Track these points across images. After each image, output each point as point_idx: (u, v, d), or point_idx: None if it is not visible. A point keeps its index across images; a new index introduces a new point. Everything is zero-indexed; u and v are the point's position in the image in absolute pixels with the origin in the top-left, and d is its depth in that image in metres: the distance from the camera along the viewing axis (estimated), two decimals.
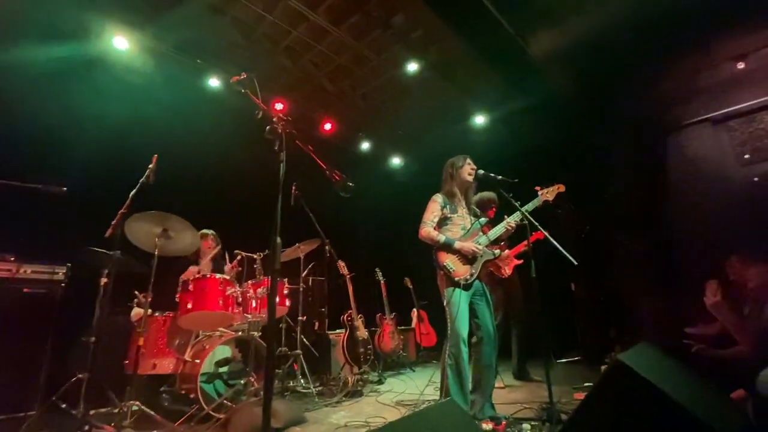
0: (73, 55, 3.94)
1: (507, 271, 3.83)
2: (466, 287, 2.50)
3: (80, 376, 2.59)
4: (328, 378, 4.06)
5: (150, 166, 2.85)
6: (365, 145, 6.53)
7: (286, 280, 3.54)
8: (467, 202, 2.80)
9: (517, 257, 3.89)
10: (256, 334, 3.06)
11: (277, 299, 3.17)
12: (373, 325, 4.87)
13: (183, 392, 2.89)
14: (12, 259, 3.07)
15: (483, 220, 2.77)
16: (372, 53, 4.79)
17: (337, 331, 4.51)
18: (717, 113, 4.67)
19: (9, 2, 3.62)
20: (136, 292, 3.15)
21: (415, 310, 5.66)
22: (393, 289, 5.27)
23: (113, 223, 2.62)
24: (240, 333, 3.17)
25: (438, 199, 2.73)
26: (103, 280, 2.78)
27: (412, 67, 4.91)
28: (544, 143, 5.34)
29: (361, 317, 4.38)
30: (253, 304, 3.13)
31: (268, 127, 1.47)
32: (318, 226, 3.98)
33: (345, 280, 4.38)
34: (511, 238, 3.83)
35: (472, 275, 2.53)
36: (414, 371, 4.69)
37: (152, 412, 2.55)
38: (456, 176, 2.76)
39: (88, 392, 2.54)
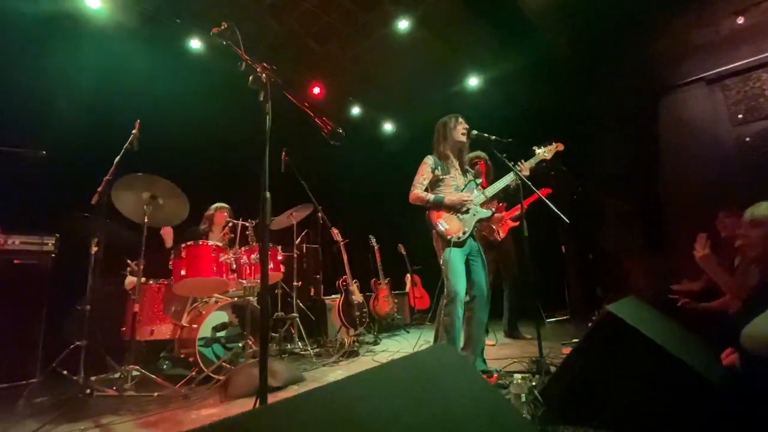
0: (45, 13, 3.68)
1: (501, 234, 3.86)
2: (460, 244, 2.51)
3: (78, 343, 2.61)
4: (325, 340, 4.16)
5: (134, 131, 2.74)
6: (355, 110, 6.37)
7: (280, 247, 3.53)
8: (461, 163, 2.77)
9: (514, 220, 3.90)
10: (251, 299, 3.09)
11: (272, 265, 3.19)
12: (368, 290, 4.95)
13: (182, 356, 2.94)
14: None
15: (479, 180, 2.75)
16: (360, 10, 4.56)
17: (333, 296, 4.58)
18: (711, 72, 4.61)
19: None
20: (129, 261, 3.12)
21: (408, 275, 5.75)
22: (387, 255, 5.32)
23: (99, 190, 2.55)
24: (236, 299, 3.19)
25: (428, 161, 2.69)
26: (94, 249, 2.74)
27: (403, 24, 4.71)
28: (538, 105, 5.26)
29: (356, 282, 4.44)
30: (248, 270, 3.13)
31: (251, 77, 1.40)
32: (310, 192, 3.94)
33: (339, 247, 4.39)
34: (508, 199, 3.85)
35: (464, 233, 2.54)
36: (408, 332, 4.83)
37: (153, 376, 2.60)
38: (448, 137, 2.71)
39: (87, 359, 2.57)
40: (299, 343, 3.74)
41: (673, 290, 3.05)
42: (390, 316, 4.89)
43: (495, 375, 2.39)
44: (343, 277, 4.38)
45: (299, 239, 4.24)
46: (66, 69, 3.80)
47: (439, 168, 2.67)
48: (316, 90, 5.66)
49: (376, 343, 4.08)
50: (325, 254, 5.15)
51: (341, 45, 5.15)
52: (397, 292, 5.33)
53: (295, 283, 3.91)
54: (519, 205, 2.68)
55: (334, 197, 5.43)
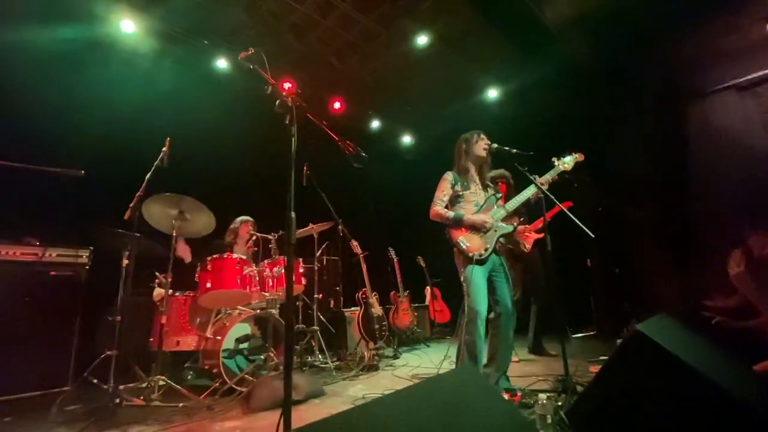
0: (82, 39, 3.94)
1: (527, 246, 3.79)
2: (481, 262, 2.48)
3: (109, 353, 2.71)
4: (345, 353, 4.16)
5: (164, 149, 2.87)
6: (375, 124, 6.46)
7: (301, 259, 3.59)
8: (482, 178, 2.75)
9: (537, 232, 3.83)
10: (273, 311, 3.13)
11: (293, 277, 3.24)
12: (388, 303, 4.93)
13: (206, 368, 3.00)
14: (37, 243, 3.17)
15: (498, 194, 2.73)
16: (380, 27, 4.66)
17: (353, 308, 4.59)
18: (743, 79, 4.45)
19: None
20: (157, 273, 3.23)
21: (428, 287, 5.70)
22: (406, 268, 5.30)
23: (131, 205, 2.66)
24: (258, 311, 3.24)
25: (448, 177, 2.68)
26: (125, 262, 2.86)
27: (422, 40, 4.78)
28: (560, 115, 5.20)
29: (375, 295, 4.44)
30: (270, 283, 3.19)
31: (278, 101, 1.45)
32: (330, 206, 3.99)
33: (358, 259, 4.41)
34: (531, 213, 3.79)
35: (486, 250, 2.50)
36: (429, 347, 4.77)
37: (178, 386, 2.66)
38: (469, 152, 2.70)
39: (116, 368, 2.66)
40: (320, 356, 3.75)
41: (707, 307, 2.91)
42: (410, 329, 4.84)
43: (519, 394, 2.33)
44: (363, 289, 4.39)
45: (320, 251, 4.29)
46: (101, 90, 4.03)
47: (459, 184, 2.66)
48: (337, 105, 5.78)
49: (395, 357, 4.05)
50: (344, 267, 5.18)
51: (361, 60, 5.26)
52: (416, 305, 5.29)
53: (315, 296, 3.94)
54: (542, 218, 2.64)
55: (354, 210, 5.48)
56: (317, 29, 4.67)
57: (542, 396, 2.13)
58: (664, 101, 4.77)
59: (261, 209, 4.05)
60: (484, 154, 2.69)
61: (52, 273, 3.21)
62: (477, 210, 2.62)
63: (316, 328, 3.79)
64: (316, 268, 4.06)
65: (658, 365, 1.39)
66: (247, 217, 3.85)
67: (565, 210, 2.75)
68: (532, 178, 2.59)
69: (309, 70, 5.25)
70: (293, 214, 1.31)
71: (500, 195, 2.74)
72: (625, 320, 4.29)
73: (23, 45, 3.61)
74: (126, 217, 2.65)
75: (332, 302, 4.93)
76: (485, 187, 2.75)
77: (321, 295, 4.06)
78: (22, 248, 3.09)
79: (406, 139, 7.04)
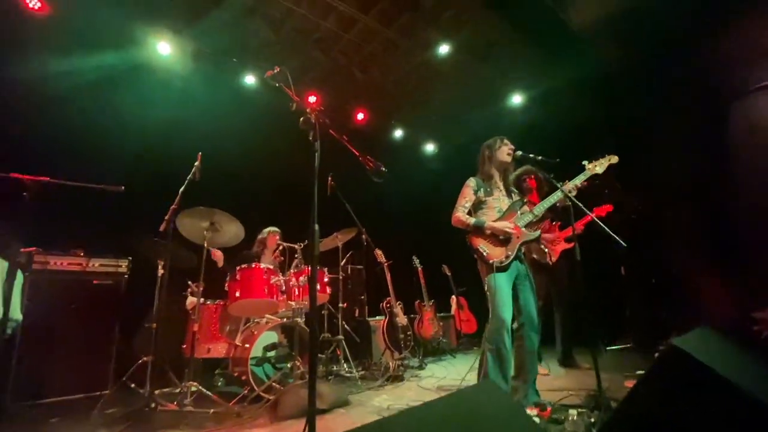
0: (123, 63, 4.22)
1: (552, 257, 3.67)
2: (502, 269, 2.43)
3: (145, 359, 2.83)
4: (370, 363, 4.16)
5: (196, 163, 3.01)
6: (398, 133, 6.51)
7: (326, 269, 3.64)
8: (505, 184, 2.71)
9: (568, 241, 3.71)
10: (299, 320, 3.19)
11: (318, 287, 3.29)
12: (412, 312, 4.90)
13: (235, 374, 3.08)
14: (81, 254, 3.38)
15: (524, 200, 2.67)
16: (402, 38, 4.72)
17: (377, 317, 4.59)
18: None
19: (69, 17, 3.91)
20: (189, 282, 3.36)
21: (454, 297, 5.63)
22: (431, 277, 5.26)
23: (166, 218, 2.80)
24: (285, 319, 3.31)
25: (471, 183, 2.66)
26: (160, 271, 3.00)
27: (444, 49, 4.80)
28: (587, 120, 5.05)
29: (400, 304, 4.43)
30: (296, 292, 3.25)
31: (302, 118, 1.51)
32: (354, 215, 4.04)
33: (383, 268, 4.43)
34: (562, 220, 3.67)
35: (507, 257, 2.45)
36: (455, 357, 4.69)
37: (209, 392, 2.75)
38: (493, 158, 2.67)
39: (152, 373, 2.78)
40: (345, 365, 3.77)
41: (755, 319, 2.72)
42: (435, 339, 4.79)
43: (549, 408, 2.25)
44: (387, 298, 4.39)
45: (344, 261, 4.34)
46: (139, 110, 4.29)
47: (482, 190, 2.63)
48: (360, 116, 5.87)
49: (421, 367, 4.01)
50: (369, 275, 5.20)
51: (383, 71, 5.34)
52: (442, 314, 5.23)
53: (340, 305, 3.98)
54: (572, 227, 2.55)
55: (378, 219, 5.51)
56: (340, 43, 4.79)
57: (573, 412, 2.06)
58: (702, 101, 4.54)
59: (287, 220, 4.15)
60: (508, 159, 2.65)
61: (95, 282, 3.42)
62: (499, 216, 2.58)
63: (340, 337, 3.82)
64: (340, 277, 4.10)
65: (697, 382, 1.31)
66: (274, 228, 3.96)
67: (595, 218, 2.66)
68: (558, 185, 2.53)
69: (333, 83, 5.37)
70: (317, 227, 1.35)
71: (525, 200, 2.69)
72: (663, 332, 4.07)
73: (71, 71, 3.91)
74: (161, 228, 2.79)
75: (357, 311, 4.95)
76: (509, 194, 2.70)
77: (346, 304, 4.09)
78: (69, 259, 3.31)
79: (429, 148, 7.04)
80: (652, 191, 4.52)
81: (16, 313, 2.39)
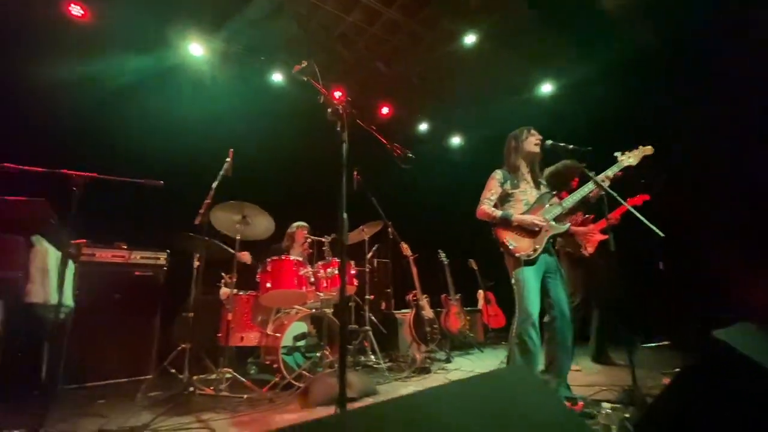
0: (158, 65, 4.43)
1: (589, 249, 3.54)
2: (531, 262, 2.38)
3: (183, 346, 2.98)
4: (397, 355, 4.20)
5: (227, 159, 3.11)
6: (423, 126, 6.47)
7: (353, 261, 3.69)
8: (533, 176, 2.64)
9: (603, 232, 3.56)
10: (328, 311, 3.25)
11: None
12: (439, 306, 4.89)
13: (267, 362, 3.19)
14: (124, 246, 3.59)
15: (553, 192, 2.60)
16: (426, 30, 4.69)
17: (403, 310, 4.61)
18: None
19: (109, 24, 4.13)
20: (223, 274, 3.50)
21: (481, 291, 5.57)
22: (457, 270, 5.23)
23: (201, 212, 2.92)
24: (313, 310, 3.39)
25: (497, 175, 2.61)
26: (196, 263, 3.14)
27: (470, 39, 4.72)
28: (623, 108, 4.83)
29: (426, 297, 4.43)
30: (324, 284, 3.32)
31: (330, 110, 1.54)
32: (380, 209, 4.06)
33: (408, 262, 4.44)
34: (598, 212, 3.54)
35: (535, 250, 2.39)
36: (482, 352, 4.65)
37: (243, 379, 2.87)
38: (520, 149, 2.61)
39: (190, 360, 2.92)
40: (372, 356, 3.82)
41: None
42: (462, 333, 4.77)
43: (581, 403, 2.21)
44: (413, 292, 4.40)
45: (370, 254, 4.38)
46: (175, 109, 4.49)
47: (509, 182, 2.58)
48: (385, 110, 5.88)
49: (448, 361, 4.00)
50: (395, 269, 5.23)
51: (408, 64, 5.32)
52: (469, 308, 5.19)
53: (367, 297, 4.03)
54: (606, 217, 2.46)
55: (404, 212, 5.52)
56: (364, 37, 4.81)
57: (606, 406, 2.01)
58: (749, 85, 4.25)
59: (314, 213, 4.24)
60: (536, 149, 2.58)
61: (137, 273, 3.63)
62: (527, 209, 2.53)
63: (368, 328, 3.87)
64: (367, 270, 4.15)
65: (739, 376, 1.25)
66: (303, 223, 4.04)
67: (630, 208, 2.55)
68: (590, 175, 2.45)
69: (358, 78, 5.41)
70: (345, 216, 1.38)
71: (554, 192, 2.61)
72: (702, 329, 3.87)
73: (112, 75, 4.13)
74: (196, 222, 2.91)
75: (383, 304, 4.99)
76: (537, 185, 2.63)
77: (373, 297, 4.14)
78: (113, 251, 3.53)
79: (455, 140, 6.97)
80: (690, 183, 4.29)
81: (69, 300, 2.57)
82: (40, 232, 1.52)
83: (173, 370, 3.02)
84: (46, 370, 2.03)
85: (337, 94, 5.27)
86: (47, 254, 1.65)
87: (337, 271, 3.34)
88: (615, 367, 3.48)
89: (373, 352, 3.83)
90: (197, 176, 3.32)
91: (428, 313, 4.29)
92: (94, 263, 3.40)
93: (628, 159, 2.55)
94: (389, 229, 4.36)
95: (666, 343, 4.43)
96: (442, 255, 5.15)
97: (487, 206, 2.53)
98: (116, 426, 2.14)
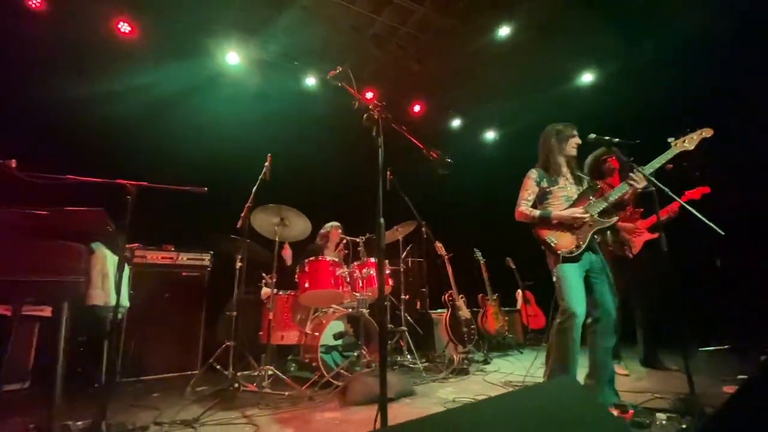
0: (198, 74, 4.64)
1: (633, 249, 3.33)
2: (572, 259, 2.27)
3: (228, 343, 3.12)
4: (433, 355, 4.16)
5: (266, 164, 3.21)
6: (456, 123, 6.37)
7: (387, 261, 3.70)
8: (572, 171, 2.53)
9: (651, 230, 3.33)
10: (364, 310, 3.29)
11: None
12: (475, 306, 4.81)
13: (306, 360, 3.27)
14: (172, 248, 3.80)
15: (597, 186, 2.47)
16: (459, 24, 4.59)
17: (439, 310, 4.57)
18: None
19: (153, 39, 4.38)
20: (263, 274, 3.63)
21: (519, 291, 5.42)
22: (494, 270, 5.10)
23: (242, 215, 3.04)
24: (350, 310, 3.43)
25: (532, 174, 2.52)
26: (238, 264, 3.27)
27: (504, 31, 4.58)
28: (674, 97, 4.49)
29: (462, 297, 4.36)
30: (360, 284, 3.35)
31: (365, 115, 1.54)
32: (413, 208, 4.04)
33: (443, 261, 4.39)
34: (647, 207, 3.32)
35: (578, 247, 2.29)
36: (522, 353, 4.52)
37: (284, 376, 2.95)
38: (558, 147, 2.50)
39: (234, 357, 3.06)
40: (408, 356, 3.82)
41: None
42: (500, 334, 4.66)
43: (631, 411, 2.08)
44: (449, 291, 4.35)
45: (404, 253, 4.37)
46: (216, 117, 4.70)
47: (545, 180, 2.48)
48: (417, 108, 5.83)
49: (486, 362, 3.92)
50: (429, 268, 5.19)
51: (440, 61, 5.25)
52: (507, 309, 5.06)
53: (402, 296, 4.03)
54: (656, 214, 2.29)
55: (438, 211, 5.47)
56: (396, 36, 4.79)
57: (661, 416, 1.89)
58: None
59: (348, 213, 4.29)
60: (572, 153, 2.49)
61: (184, 274, 3.83)
62: (568, 205, 2.42)
63: (404, 328, 3.87)
64: (401, 269, 4.15)
65: None
66: (336, 223, 4.10)
67: (684, 204, 2.37)
68: (639, 169, 2.30)
69: (389, 77, 5.40)
70: (382, 221, 1.38)
71: (598, 186, 2.48)
72: (765, 331, 3.56)
73: (156, 86, 4.38)
74: (238, 225, 3.03)
75: (419, 303, 4.97)
76: (578, 180, 2.51)
77: (408, 296, 4.13)
78: (162, 253, 3.75)
79: (490, 135, 6.80)
80: (757, 173, 3.92)
81: (125, 301, 2.75)
82: (99, 239, 1.64)
83: (218, 367, 3.17)
84: (106, 366, 2.19)
85: (369, 95, 5.29)
86: (106, 259, 1.78)
87: (372, 272, 3.36)
88: (667, 372, 3.27)
89: (410, 352, 3.83)
90: (238, 181, 3.45)
91: (465, 313, 4.22)
92: (145, 265, 3.63)
93: (683, 144, 2.34)
94: (423, 229, 4.32)
95: (725, 347, 4.11)
96: (478, 254, 5.04)
97: (524, 207, 2.45)
98: (169, 419, 2.27)
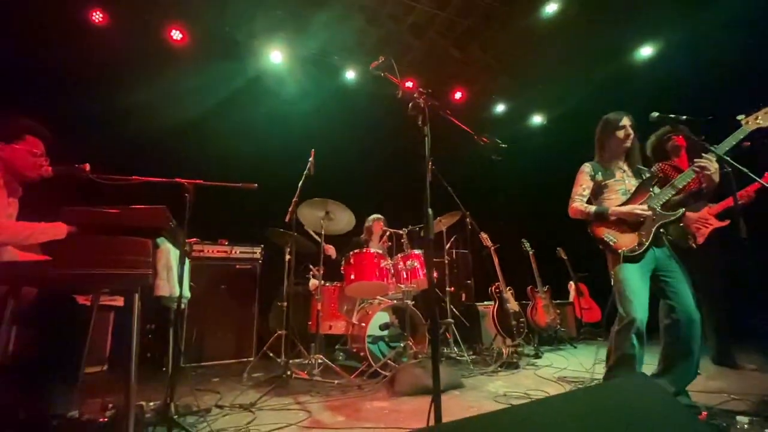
0: (246, 75, 4.83)
1: (699, 239, 3.02)
2: (633, 259, 2.09)
3: (279, 332, 3.26)
4: (481, 348, 4.09)
5: (310, 159, 3.28)
6: (500, 108, 6.13)
7: None
8: (630, 163, 2.34)
9: (720, 217, 3.03)
10: (409, 302, 3.29)
11: (425, 271, 3.34)
12: (525, 298, 4.64)
13: (354, 350, 3.34)
14: (226, 242, 4.02)
15: (657, 176, 2.25)
16: (502, 4, 4.39)
17: (486, 302, 4.47)
18: None
19: (202, 43, 4.60)
20: (311, 266, 3.73)
21: (572, 282, 5.16)
22: (544, 261, 4.89)
23: (290, 209, 3.13)
24: (395, 301, 3.45)
25: (586, 168, 2.35)
26: (287, 257, 3.39)
27: (551, 7, 4.31)
28: (743, 71, 3.99)
29: (510, 289, 4.23)
30: (404, 275, 3.35)
31: (410, 104, 1.51)
32: (457, 198, 3.95)
33: (489, 252, 4.27)
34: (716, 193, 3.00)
35: (641, 244, 2.09)
36: (575, 348, 4.32)
37: (333, 365, 3.04)
38: (608, 141, 2.31)
39: (285, 346, 3.18)
40: (455, 348, 3.78)
41: None
42: (551, 328, 4.47)
43: (704, 413, 1.91)
44: (496, 283, 4.23)
45: (448, 245, 4.30)
46: (260, 115, 4.86)
47: (600, 173, 2.31)
48: (458, 95, 5.69)
49: (537, 356, 3.78)
50: (475, 260, 5.08)
51: (482, 45, 5.06)
52: (558, 301, 4.84)
53: (447, 289, 3.98)
54: (727, 199, 2.07)
55: (483, 201, 5.32)
56: (435, 22, 4.67)
57: (742, 419, 1.73)
58: None
59: (391, 206, 4.30)
60: (626, 145, 2.28)
61: (237, 266, 4.04)
62: (627, 199, 2.23)
63: (450, 320, 3.83)
64: (446, 261, 4.09)
65: None
66: (379, 215, 4.12)
67: (766, 184, 2.11)
68: (712, 148, 2.07)
69: (429, 66, 5.29)
70: (430, 211, 1.35)
71: (658, 176, 2.26)
72: None
73: (205, 87, 4.62)
74: (286, 219, 3.13)
75: (464, 296, 4.89)
76: (637, 173, 2.31)
77: (452, 288, 4.08)
78: (218, 247, 3.98)
79: (537, 120, 6.48)
80: None
81: (187, 292, 2.94)
82: (162, 234, 1.75)
83: (271, 354, 3.33)
84: (172, 352, 2.38)
85: (408, 84, 5.22)
86: (170, 253, 1.91)
87: (416, 264, 3.35)
88: (744, 372, 2.96)
89: (456, 344, 3.79)
90: (285, 176, 3.55)
91: (513, 305, 4.09)
92: (203, 258, 3.87)
93: (756, 121, 2.08)
94: (467, 219, 4.22)
95: None
96: (527, 244, 4.85)
97: (579, 203, 2.29)
98: (228, 402, 2.41)
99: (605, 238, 2.18)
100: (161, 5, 4.26)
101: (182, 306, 2.91)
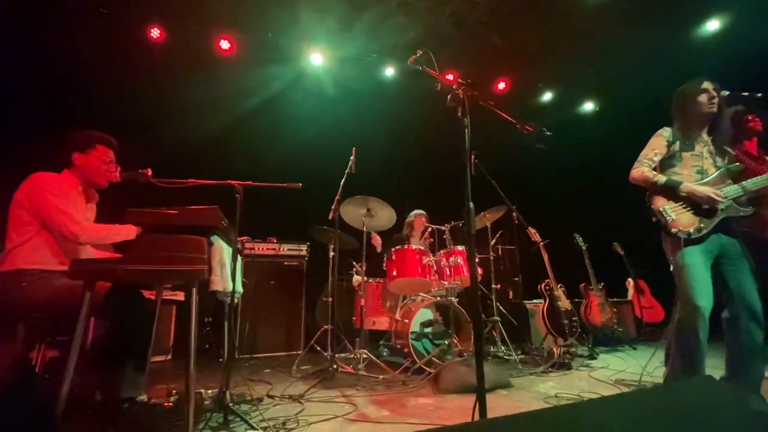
0: (287, 77, 5.00)
1: None
2: (695, 241, 1.92)
3: (326, 327, 3.35)
4: (530, 347, 3.94)
5: (351, 157, 3.33)
6: (547, 96, 5.84)
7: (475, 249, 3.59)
8: (715, 137, 2.10)
9: None
10: (453, 299, 3.24)
11: (468, 267, 3.27)
12: (578, 296, 4.40)
13: (398, 346, 3.35)
14: (275, 240, 4.19)
15: (735, 165, 2.02)
16: None
17: (535, 300, 4.29)
18: None
19: (248, 52, 4.82)
20: (354, 263, 3.80)
21: (630, 280, 4.82)
22: (599, 256, 4.59)
23: (333, 207, 3.21)
24: (438, 298, 3.41)
25: (664, 133, 2.14)
26: (332, 253, 3.47)
27: None
28: None
29: (561, 287, 4.03)
30: (448, 272, 3.30)
31: (450, 96, 1.47)
32: (502, 192, 3.82)
33: (538, 248, 4.09)
34: None
35: (700, 230, 1.91)
36: (635, 349, 4.02)
37: (377, 360, 3.07)
38: (689, 109, 2.09)
39: (331, 340, 3.27)
40: (502, 347, 3.67)
41: None
42: (608, 327, 4.19)
43: None
44: (546, 280, 4.05)
45: (494, 241, 4.18)
46: (302, 117, 5.02)
47: (679, 142, 2.08)
48: (501, 85, 5.49)
49: (592, 357, 3.57)
50: (522, 256, 4.89)
51: (525, 31, 4.84)
52: (615, 300, 4.54)
53: (493, 286, 3.87)
54: None
55: (530, 195, 5.11)
56: (476, 11, 4.54)
57: None
58: None
59: (433, 202, 4.25)
60: (709, 110, 2.03)
61: (285, 263, 4.21)
62: (700, 179, 2.03)
63: (497, 318, 3.72)
64: (491, 258, 3.98)
65: None
66: (420, 211, 4.09)
67: None
68: None
69: (469, 57, 5.15)
70: (471, 205, 1.31)
71: (742, 168, 2.03)
72: None
73: (250, 92, 4.83)
74: (330, 217, 3.21)
75: (511, 293, 4.73)
76: (721, 153, 2.08)
77: (499, 286, 3.96)
78: (267, 245, 4.16)
79: (588, 107, 6.10)
80: None
81: (239, 287, 3.12)
82: (216, 233, 1.87)
83: (318, 348, 3.43)
84: (227, 344, 2.52)
85: (449, 77, 5.12)
86: (223, 250, 2.03)
87: (460, 260, 3.29)
88: None
89: (503, 343, 3.68)
90: (328, 174, 3.63)
91: (565, 303, 3.90)
92: (253, 255, 4.06)
93: None
94: (513, 214, 4.08)
95: None
96: (579, 239, 4.58)
97: (647, 168, 2.09)
98: (279, 393, 2.52)
99: (663, 211, 2.00)
100: (211, 17, 4.51)
101: (235, 300, 3.09)
